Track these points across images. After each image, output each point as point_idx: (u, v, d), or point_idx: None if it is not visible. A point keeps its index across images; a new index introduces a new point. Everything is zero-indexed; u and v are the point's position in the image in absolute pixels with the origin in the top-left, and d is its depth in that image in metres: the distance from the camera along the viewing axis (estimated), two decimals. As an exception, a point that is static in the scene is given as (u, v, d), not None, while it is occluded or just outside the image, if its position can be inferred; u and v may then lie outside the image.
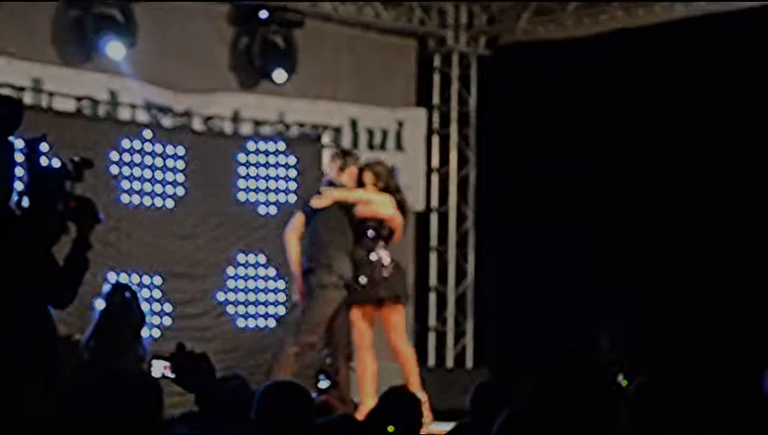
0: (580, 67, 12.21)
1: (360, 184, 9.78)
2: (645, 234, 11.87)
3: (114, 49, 11.17)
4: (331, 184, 9.85)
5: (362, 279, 9.54)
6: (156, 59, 11.62)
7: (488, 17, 13.50)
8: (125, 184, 11.04)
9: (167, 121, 11.74)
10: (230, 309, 11.68)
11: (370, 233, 9.62)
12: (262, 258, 11.79)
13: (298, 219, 9.91)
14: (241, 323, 11.76)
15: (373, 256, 9.59)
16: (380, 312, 9.59)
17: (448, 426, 6.19)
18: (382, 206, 9.63)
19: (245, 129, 12.29)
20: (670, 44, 11.70)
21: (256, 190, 11.92)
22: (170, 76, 11.73)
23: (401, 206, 9.75)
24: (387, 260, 9.60)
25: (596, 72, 12.06)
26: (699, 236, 11.58)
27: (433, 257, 13.74)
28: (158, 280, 11.15)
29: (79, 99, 11.16)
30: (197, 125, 11.96)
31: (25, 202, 5.50)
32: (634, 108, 11.90)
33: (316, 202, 9.67)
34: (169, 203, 11.36)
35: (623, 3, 12.19)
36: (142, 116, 11.60)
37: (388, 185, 9.75)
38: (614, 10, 12.32)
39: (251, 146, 11.96)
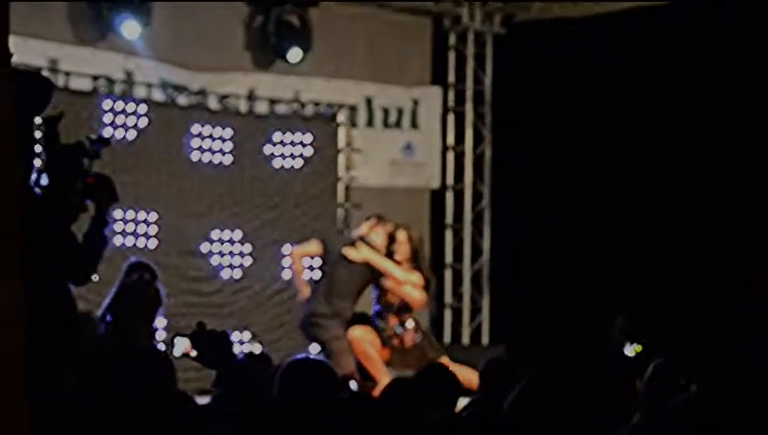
0: (596, 45, 12.20)
1: (391, 249, 9.81)
2: (664, 214, 11.83)
3: (130, 28, 11.21)
4: (362, 239, 9.89)
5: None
6: (171, 38, 11.67)
7: (505, -5, 13.47)
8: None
9: (182, 100, 11.77)
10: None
11: (394, 308, 9.78)
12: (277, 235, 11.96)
13: (315, 246, 9.99)
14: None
15: (399, 330, 9.76)
16: None
17: (463, 402, 6.25)
18: (412, 290, 9.71)
19: (261, 107, 12.33)
20: (686, 23, 11.64)
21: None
22: (185, 55, 11.77)
23: (427, 285, 9.83)
24: (411, 325, 9.79)
25: (611, 51, 12.05)
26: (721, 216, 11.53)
27: (449, 235, 13.79)
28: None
29: (95, 78, 11.21)
30: (213, 104, 12.00)
31: (44, 180, 5.57)
32: (651, 87, 11.88)
33: (350, 253, 9.73)
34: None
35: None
36: (158, 95, 11.63)
37: (419, 265, 9.83)
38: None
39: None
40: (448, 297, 13.72)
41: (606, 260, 11.92)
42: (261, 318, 11.88)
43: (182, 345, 4.77)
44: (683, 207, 11.76)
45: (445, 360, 9.13)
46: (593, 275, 11.88)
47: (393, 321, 9.75)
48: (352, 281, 9.72)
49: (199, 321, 4.96)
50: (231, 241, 11.87)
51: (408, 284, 9.67)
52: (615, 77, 12.05)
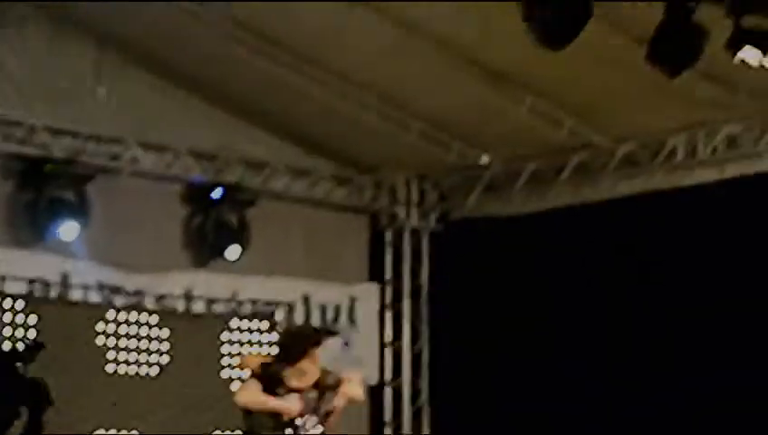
0: (530, 242, 12.50)
1: None
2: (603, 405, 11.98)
3: (67, 230, 11.34)
4: None
5: None
6: (108, 238, 11.78)
7: (439, 194, 13.79)
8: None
9: (119, 301, 11.82)
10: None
11: None
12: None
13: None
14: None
15: None
16: None
17: None
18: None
19: (198, 307, 12.39)
20: (614, 221, 12.03)
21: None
22: (122, 255, 11.88)
23: None
24: None
25: (545, 247, 12.35)
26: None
27: (388, 432, 13.73)
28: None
29: (31, 281, 11.26)
30: (150, 305, 12.05)
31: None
32: (582, 282, 12.15)
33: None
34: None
35: (570, 179, 12.52)
36: (94, 297, 11.69)
37: None
38: (561, 186, 12.64)
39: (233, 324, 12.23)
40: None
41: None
42: None
43: None
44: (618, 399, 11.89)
45: None
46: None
47: None
48: None
49: None
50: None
51: None
52: (549, 271, 12.33)
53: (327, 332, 10.15)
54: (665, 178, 11.92)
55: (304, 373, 8.66)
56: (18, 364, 5.77)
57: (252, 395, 8.95)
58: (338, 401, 8.85)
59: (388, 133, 12.26)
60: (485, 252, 12.78)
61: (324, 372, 9.02)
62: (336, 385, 9.00)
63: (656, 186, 11.94)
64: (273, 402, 8.96)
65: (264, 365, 9.15)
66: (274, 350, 9.72)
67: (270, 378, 9.08)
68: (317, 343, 8.99)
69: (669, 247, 11.65)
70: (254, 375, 8.95)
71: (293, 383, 8.78)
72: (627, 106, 11.26)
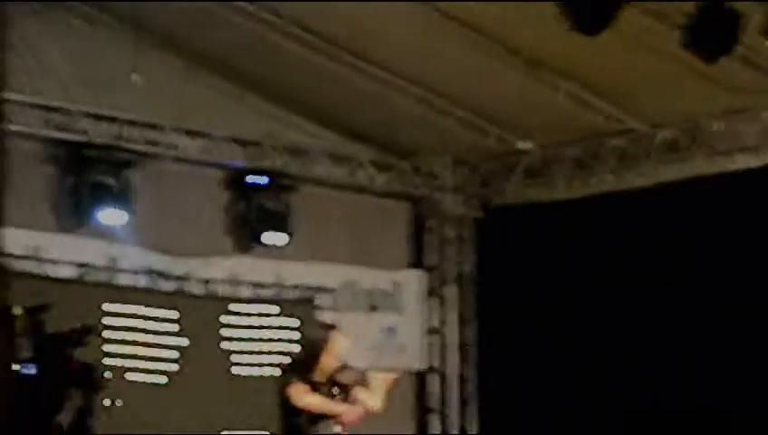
0: (574, 227, 12.51)
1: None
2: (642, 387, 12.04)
3: (110, 215, 11.50)
4: None
5: None
6: (152, 223, 11.92)
7: (480, 180, 13.79)
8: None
9: (167, 286, 12.01)
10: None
11: None
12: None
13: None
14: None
15: None
16: None
17: None
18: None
19: (244, 292, 12.54)
20: (657, 206, 12.07)
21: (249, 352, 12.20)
22: (167, 240, 12.02)
23: None
24: None
25: (589, 232, 12.36)
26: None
27: (434, 420, 13.71)
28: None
29: (80, 265, 11.45)
30: (196, 288, 12.21)
31: (31, 369, 5.75)
32: (627, 267, 12.18)
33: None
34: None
35: (612, 165, 12.52)
36: (143, 281, 11.87)
37: None
38: (603, 172, 12.66)
39: (242, 308, 12.31)
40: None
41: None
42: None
43: None
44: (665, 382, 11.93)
45: None
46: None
47: None
48: None
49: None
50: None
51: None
52: (594, 256, 12.33)
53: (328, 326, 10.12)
54: (705, 164, 11.89)
55: (323, 369, 8.83)
56: (69, 347, 5.94)
57: (311, 398, 9.10)
58: (353, 410, 8.95)
59: (426, 119, 12.32)
60: (529, 238, 12.80)
61: (342, 368, 9.11)
62: (355, 383, 9.05)
63: (697, 172, 11.93)
64: (330, 406, 9.09)
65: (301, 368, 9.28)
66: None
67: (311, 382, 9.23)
68: (328, 338, 9.11)
69: (711, 233, 11.63)
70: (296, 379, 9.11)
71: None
72: (664, 91, 11.22)
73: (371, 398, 8.98)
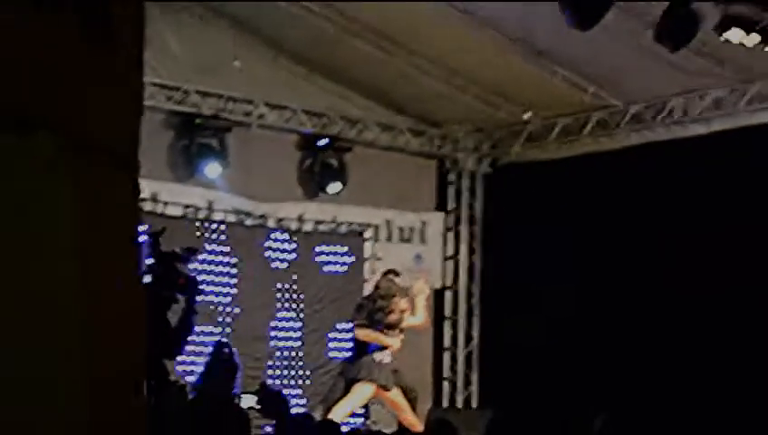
0: (561, 181, 12.33)
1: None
2: (649, 316, 11.12)
3: (212, 169, 11.46)
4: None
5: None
6: (241, 175, 11.88)
7: (491, 144, 13.66)
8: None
9: (250, 222, 11.93)
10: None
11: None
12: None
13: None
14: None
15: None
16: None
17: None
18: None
19: (308, 227, 12.49)
20: (626, 165, 11.77)
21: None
22: (252, 188, 12.00)
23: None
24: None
25: (573, 186, 12.15)
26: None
27: (447, 325, 13.72)
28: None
29: (186, 206, 11.44)
30: (272, 225, 12.15)
31: (146, 278, 5.65)
32: (602, 211, 11.89)
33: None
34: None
35: (592, 133, 12.31)
36: (231, 218, 11.83)
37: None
38: (585, 138, 12.44)
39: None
40: (447, 373, 13.60)
41: (586, 357, 11.45)
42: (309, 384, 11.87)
43: (249, 400, 4.79)
44: (669, 314, 11.07)
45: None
46: (574, 368, 11.41)
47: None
48: None
49: (262, 381, 4.99)
50: (288, 328, 11.89)
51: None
52: (579, 202, 11.98)
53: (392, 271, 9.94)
54: (665, 132, 11.69)
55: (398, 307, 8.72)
56: (178, 264, 5.82)
57: (366, 332, 9.01)
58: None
59: (452, 96, 12.21)
60: (528, 189, 12.66)
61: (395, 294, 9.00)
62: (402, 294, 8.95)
63: (657, 138, 11.72)
64: (382, 338, 9.03)
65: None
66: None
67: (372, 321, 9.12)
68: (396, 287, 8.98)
69: (668, 187, 11.34)
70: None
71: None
72: (636, 76, 11.03)
73: (418, 318, 8.97)
